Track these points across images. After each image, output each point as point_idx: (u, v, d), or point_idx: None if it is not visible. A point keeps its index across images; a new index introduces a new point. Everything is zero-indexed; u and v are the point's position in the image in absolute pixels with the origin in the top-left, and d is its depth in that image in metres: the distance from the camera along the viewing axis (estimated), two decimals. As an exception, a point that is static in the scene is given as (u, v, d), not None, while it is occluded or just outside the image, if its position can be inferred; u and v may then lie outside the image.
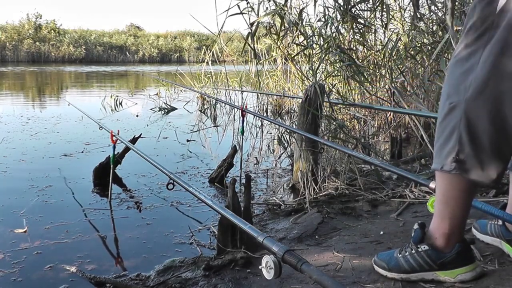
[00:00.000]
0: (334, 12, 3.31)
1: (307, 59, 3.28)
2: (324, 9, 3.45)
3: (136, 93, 8.40)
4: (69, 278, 1.56)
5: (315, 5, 3.45)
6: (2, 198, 2.41)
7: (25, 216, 2.13)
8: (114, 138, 2.23)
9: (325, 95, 2.54)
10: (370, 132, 3.75)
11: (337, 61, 3.08)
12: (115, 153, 2.39)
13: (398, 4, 3.86)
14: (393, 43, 3.55)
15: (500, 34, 0.94)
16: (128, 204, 2.37)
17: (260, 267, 0.90)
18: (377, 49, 3.83)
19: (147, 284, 1.49)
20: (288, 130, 3.19)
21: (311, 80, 3.05)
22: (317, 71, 3.02)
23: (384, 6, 3.42)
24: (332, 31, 3.20)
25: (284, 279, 1.33)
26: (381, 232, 1.68)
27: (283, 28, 3.38)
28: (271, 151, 3.79)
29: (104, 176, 2.52)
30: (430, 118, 2.93)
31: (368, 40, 3.87)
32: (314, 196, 2.31)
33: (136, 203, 2.39)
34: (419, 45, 3.46)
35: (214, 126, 5.00)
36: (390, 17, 3.61)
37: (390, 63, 3.51)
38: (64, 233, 1.95)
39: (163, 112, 5.92)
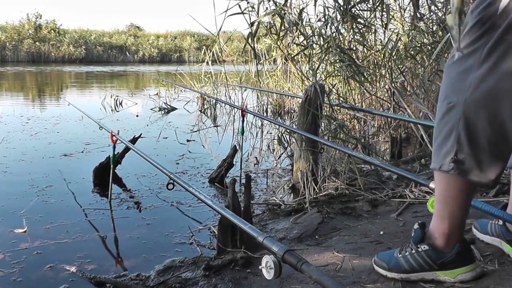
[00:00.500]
0: (334, 12, 3.32)
1: (307, 59, 3.29)
2: (324, 9, 3.46)
3: (136, 93, 8.40)
4: (69, 278, 1.56)
5: (315, 5, 3.45)
6: (2, 198, 2.41)
7: (25, 216, 2.13)
8: (114, 138, 2.23)
9: (325, 95, 2.54)
10: (370, 132, 3.75)
11: (337, 61, 3.08)
12: (115, 153, 2.39)
13: (398, 4, 3.86)
14: (393, 43, 3.55)
15: (500, 34, 0.94)
16: (128, 204, 2.37)
17: (260, 267, 0.90)
18: (377, 49, 3.83)
19: (147, 284, 1.49)
20: (288, 130, 3.19)
21: (311, 80, 3.05)
22: (317, 71, 3.02)
23: (384, 6, 3.43)
24: (332, 31, 3.20)
25: (284, 279, 1.33)
26: (381, 232, 1.68)
27: (283, 28, 3.38)
28: (271, 151, 3.79)
29: (104, 176, 2.52)
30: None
31: (368, 40, 3.87)
32: (314, 196, 2.31)
33: (136, 203, 2.39)
34: (419, 45, 3.46)
35: (214, 126, 5.00)
36: (390, 17, 3.61)
37: (390, 63, 3.51)
38: (64, 233, 1.95)
39: (163, 112, 5.92)
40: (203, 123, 5.22)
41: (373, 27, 3.76)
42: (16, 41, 22.14)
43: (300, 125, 2.44)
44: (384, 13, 3.55)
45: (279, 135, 3.57)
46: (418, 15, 3.33)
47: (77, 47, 23.82)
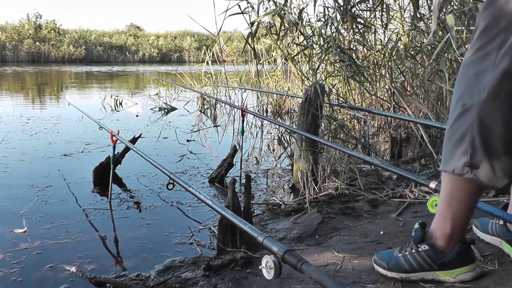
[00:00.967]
0: (334, 12, 3.32)
1: (307, 59, 3.29)
2: (324, 9, 3.46)
3: (136, 93, 8.40)
4: (69, 278, 1.56)
5: (315, 5, 3.46)
6: (2, 198, 2.41)
7: (25, 216, 2.13)
8: (114, 138, 2.23)
9: (325, 95, 2.54)
10: (370, 132, 3.75)
11: (337, 61, 3.08)
12: (115, 153, 2.39)
13: (398, 4, 3.86)
14: (393, 43, 3.55)
15: None
16: (128, 204, 2.37)
17: (260, 267, 0.90)
18: (377, 49, 3.83)
19: (147, 284, 1.49)
20: (288, 130, 3.19)
21: (311, 80, 3.05)
22: (317, 71, 3.02)
23: (384, 6, 3.43)
24: (332, 31, 3.20)
25: (284, 279, 1.33)
26: (381, 232, 1.68)
27: (283, 28, 3.38)
28: (271, 151, 3.79)
29: (104, 176, 2.52)
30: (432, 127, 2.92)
31: (368, 40, 3.87)
32: (314, 196, 2.31)
33: (136, 203, 2.39)
34: (419, 45, 3.46)
35: (214, 126, 5.00)
36: (390, 17, 3.61)
37: (390, 63, 3.51)
38: (64, 233, 1.95)
39: (163, 112, 5.92)
40: (203, 123, 5.22)
41: (373, 27, 3.76)
42: (16, 41, 22.13)
43: (300, 125, 2.44)
44: (384, 13, 3.55)
45: (279, 135, 3.58)
46: (418, 15, 3.33)
47: (77, 47, 23.81)
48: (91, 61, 23.67)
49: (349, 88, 3.64)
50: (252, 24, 3.15)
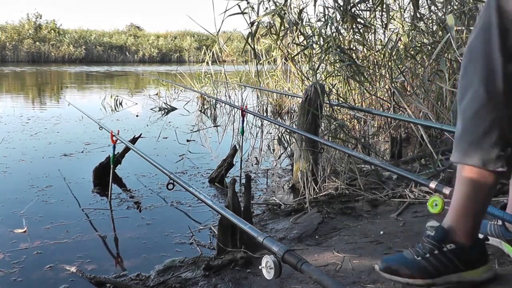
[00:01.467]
0: (334, 12, 3.32)
1: (307, 59, 3.29)
2: (324, 9, 3.46)
3: (136, 93, 8.39)
4: (69, 278, 1.56)
5: (315, 5, 3.46)
6: (2, 198, 2.41)
7: (25, 216, 2.13)
8: (114, 138, 2.23)
9: (325, 95, 2.54)
10: (370, 132, 3.75)
11: (337, 61, 3.08)
12: (115, 153, 2.39)
13: (398, 4, 3.86)
14: (393, 43, 3.55)
15: None
16: (128, 204, 2.37)
17: (260, 267, 0.90)
18: (377, 49, 3.83)
19: (147, 284, 1.49)
20: (288, 130, 3.19)
21: (311, 80, 3.05)
22: (317, 71, 3.02)
23: (384, 6, 3.43)
24: (332, 31, 3.20)
25: (284, 279, 1.33)
26: (381, 232, 1.68)
27: (283, 28, 3.39)
28: (271, 151, 3.79)
29: (104, 176, 2.52)
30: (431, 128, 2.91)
31: (368, 40, 3.87)
32: (314, 196, 2.31)
33: (136, 203, 2.39)
34: (419, 45, 3.46)
35: (214, 126, 5.00)
36: (390, 17, 3.61)
37: (390, 63, 3.51)
38: (64, 233, 1.95)
39: (163, 112, 5.92)
40: (203, 123, 5.22)
41: (373, 27, 3.76)
42: (16, 41, 22.11)
43: (300, 125, 2.44)
44: (384, 13, 3.55)
45: (279, 135, 3.57)
46: (418, 15, 3.33)
47: (77, 47, 23.80)
48: (91, 61, 23.66)
49: (349, 88, 3.64)
50: (252, 24, 3.15)
